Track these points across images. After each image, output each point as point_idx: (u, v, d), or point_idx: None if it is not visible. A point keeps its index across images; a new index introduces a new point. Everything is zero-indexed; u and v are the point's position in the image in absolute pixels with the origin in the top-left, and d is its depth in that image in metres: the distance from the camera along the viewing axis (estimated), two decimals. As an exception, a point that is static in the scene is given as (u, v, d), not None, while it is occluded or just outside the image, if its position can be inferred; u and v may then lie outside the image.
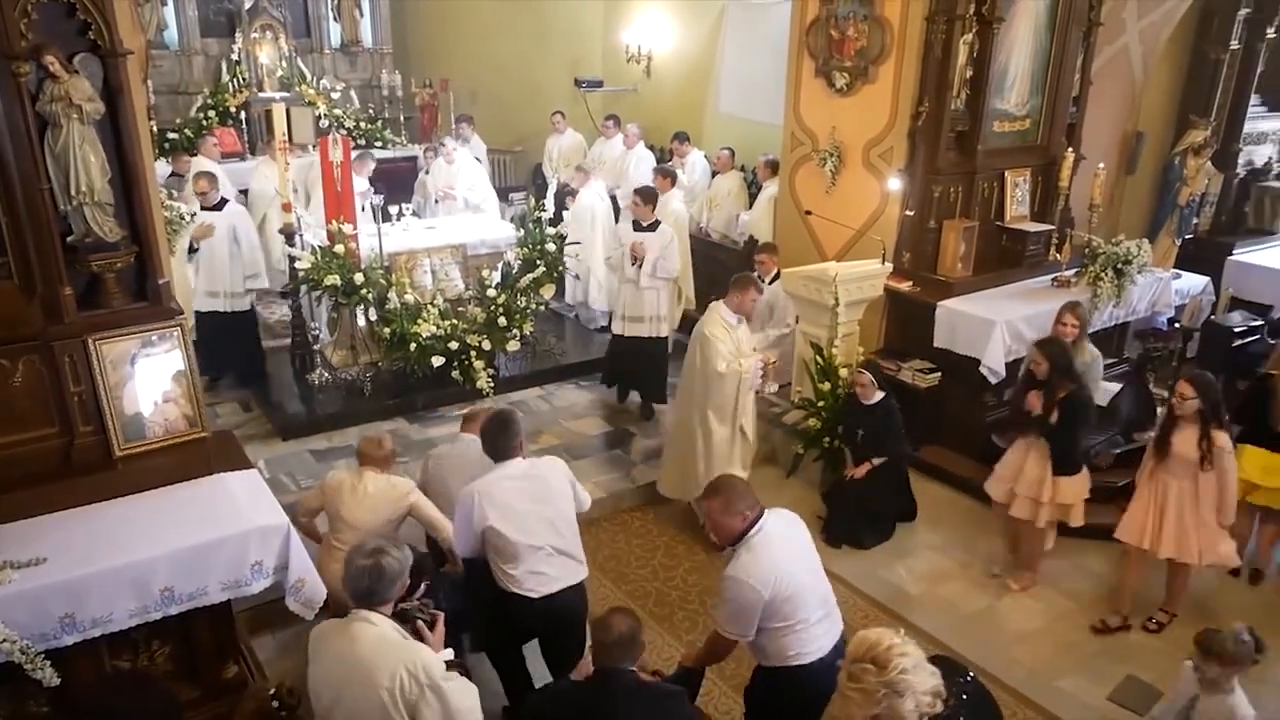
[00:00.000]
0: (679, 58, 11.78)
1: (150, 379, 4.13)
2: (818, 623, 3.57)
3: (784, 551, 3.53)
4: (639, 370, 7.58)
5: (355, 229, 7.34)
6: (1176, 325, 8.03)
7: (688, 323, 7.64)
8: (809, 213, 7.57)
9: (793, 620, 3.50)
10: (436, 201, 9.84)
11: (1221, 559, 5.13)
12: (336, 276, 6.99)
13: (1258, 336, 8.04)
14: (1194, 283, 8.39)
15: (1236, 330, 8.15)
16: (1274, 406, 5.64)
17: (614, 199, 10.11)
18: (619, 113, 11.24)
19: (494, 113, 12.36)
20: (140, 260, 4.05)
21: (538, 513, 4.07)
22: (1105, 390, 7.05)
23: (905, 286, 7.15)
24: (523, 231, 7.90)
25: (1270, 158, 10.03)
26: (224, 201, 7.56)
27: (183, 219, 7.02)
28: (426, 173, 10.34)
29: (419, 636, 3.19)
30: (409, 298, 7.29)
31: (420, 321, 7.22)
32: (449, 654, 3.31)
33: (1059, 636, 5.34)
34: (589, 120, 11.86)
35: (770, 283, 7.48)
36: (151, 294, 4.11)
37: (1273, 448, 5.55)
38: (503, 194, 11.77)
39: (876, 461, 6.06)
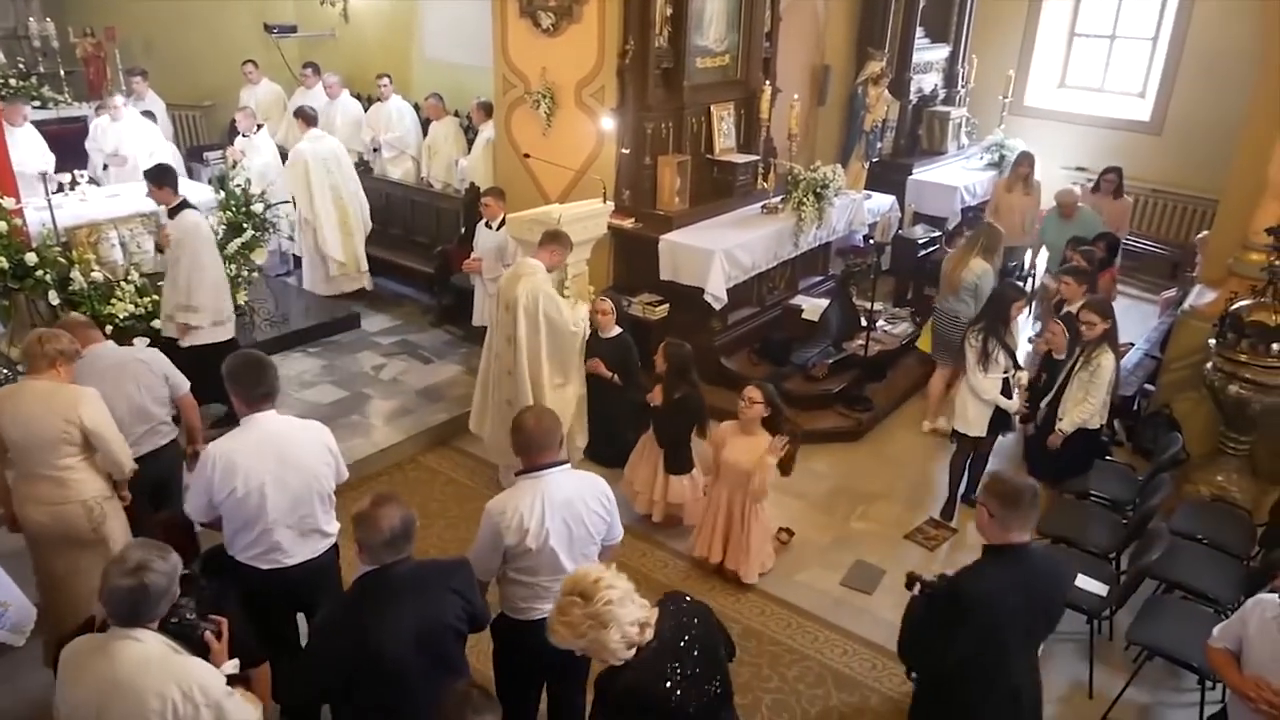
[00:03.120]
0: (378, 1, 11.29)
1: None
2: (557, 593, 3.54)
3: (549, 506, 3.43)
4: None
5: (19, 202, 6.48)
6: (871, 241, 8.86)
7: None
8: (527, 156, 7.60)
9: (529, 579, 3.49)
10: (105, 168, 8.86)
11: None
12: (2, 258, 6.18)
13: (936, 246, 9.07)
14: (883, 202, 9.31)
15: (920, 242, 9.17)
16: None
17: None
18: (318, 60, 10.63)
19: (175, 65, 11.26)
20: None
21: (287, 483, 3.69)
22: (815, 306, 7.71)
23: (628, 223, 7.39)
24: (223, 194, 7.33)
25: (936, 85, 11.20)
26: None
27: None
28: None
29: (207, 648, 2.93)
30: (97, 276, 6.58)
31: (114, 301, 6.55)
32: (234, 665, 3.06)
33: (795, 536, 5.84)
34: (286, 70, 11.13)
35: (498, 228, 7.47)
36: None
37: None
38: (195, 154, 10.83)
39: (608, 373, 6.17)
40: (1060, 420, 5.57)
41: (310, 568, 3.86)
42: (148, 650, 2.73)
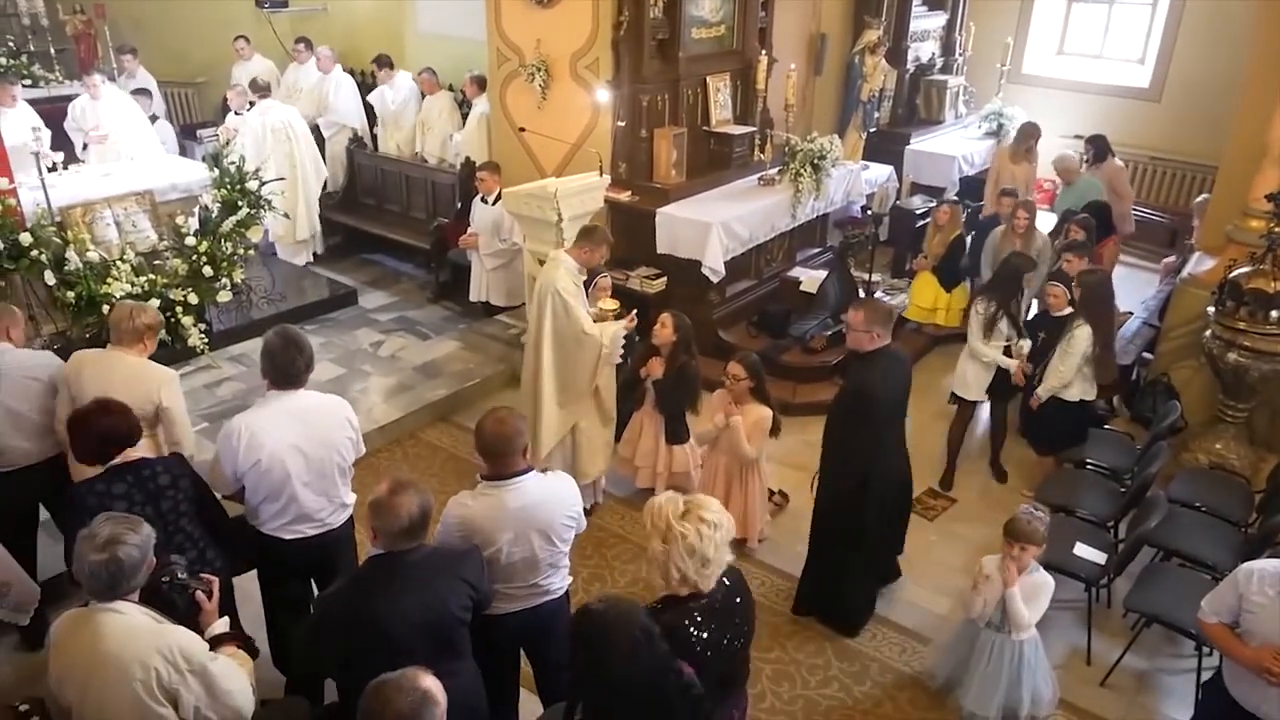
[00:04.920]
0: (370, -28, 11.15)
1: None
2: (521, 596, 3.53)
3: (503, 518, 3.37)
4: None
5: (12, 182, 6.43)
6: (869, 212, 8.83)
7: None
8: (523, 130, 7.53)
9: (496, 582, 3.43)
10: (85, 147, 8.78)
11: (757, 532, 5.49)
12: (-4, 239, 6.15)
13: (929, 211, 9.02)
14: (880, 172, 9.26)
15: (918, 212, 9.12)
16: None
17: (317, 129, 9.56)
18: (310, 35, 10.51)
19: (166, 41, 11.14)
20: None
21: (309, 456, 3.76)
22: (813, 277, 7.69)
23: (624, 196, 7.34)
24: (218, 171, 7.27)
25: (933, 53, 11.09)
26: None
27: None
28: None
29: (198, 608, 2.98)
30: (92, 255, 6.53)
31: (110, 280, 6.52)
32: (224, 624, 3.11)
33: (794, 507, 5.86)
34: (278, 45, 11.01)
35: (494, 203, 7.43)
36: None
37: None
38: (189, 131, 10.76)
39: None
40: (1037, 386, 5.68)
41: (330, 538, 3.94)
42: (129, 622, 2.77)
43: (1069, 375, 5.55)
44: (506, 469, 3.41)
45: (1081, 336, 5.50)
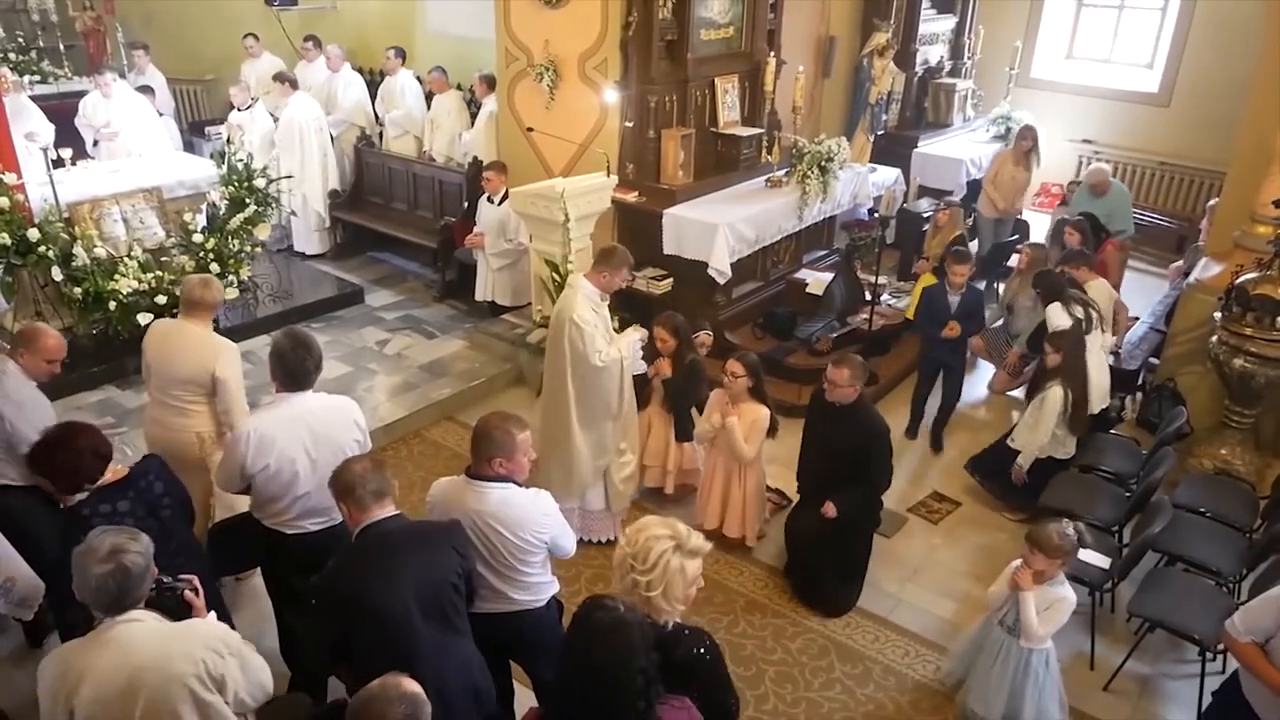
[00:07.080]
0: (379, -30, 11.19)
1: None
2: (484, 596, 3.52)
3: (469, 515, 3.42)
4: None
5: (20, 177, 6.47)
6: (875, 214, 8.81)
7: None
8: (531, 130, 7.55)
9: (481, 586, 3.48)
10: (95, 144, 8.86)
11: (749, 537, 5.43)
12: (4, 234, 6.18)
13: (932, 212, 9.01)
14: (887, 175, 9.26)
15: (925, 215, 9.12)
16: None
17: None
18: (319, 33, 10.54)
19: (176, 38, 11.20)
20: None
21: (316, 460, 3.78)
22: (819, 280, 7.69)
23: (631, 197, 7.35)
24: (225, 168, 7.31)
25: (942, 56, 11.07)
26: None
27: None
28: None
29: (189, 607, 3.02)
30: (100, 251, 6.58)
31: (118, 277, 6.56)
32: (213, 619, 3.13)
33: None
34: (287, 43, 11.05)
35: (500, 203, 7.45)
36: None
37: None
38: (197, 128, 10.81)
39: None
40: (1012, 441, 5.69)
41: (332, 533, 3.97)
42: (155, 628, 2.75)
43: (1043, 438, 5.51)
44: (478, 469, 3.47)
45: (1054, 398, 5.44)
